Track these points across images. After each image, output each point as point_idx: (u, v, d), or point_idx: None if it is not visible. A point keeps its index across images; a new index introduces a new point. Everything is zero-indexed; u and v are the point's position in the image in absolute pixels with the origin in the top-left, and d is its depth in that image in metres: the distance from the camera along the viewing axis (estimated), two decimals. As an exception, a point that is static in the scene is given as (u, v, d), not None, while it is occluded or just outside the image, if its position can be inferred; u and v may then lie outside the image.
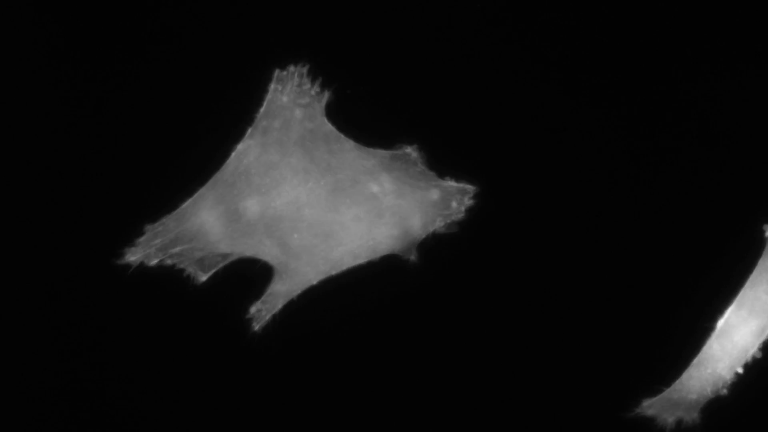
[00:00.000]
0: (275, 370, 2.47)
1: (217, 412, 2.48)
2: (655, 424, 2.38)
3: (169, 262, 2.39)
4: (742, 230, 2.38)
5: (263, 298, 2.40)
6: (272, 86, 2.40)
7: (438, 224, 2.42)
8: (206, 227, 2.39)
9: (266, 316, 2.39)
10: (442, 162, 2.43)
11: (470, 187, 2.43)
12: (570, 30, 2.50)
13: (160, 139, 2.48)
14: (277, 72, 2.40)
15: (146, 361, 2.47)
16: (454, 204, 2.42)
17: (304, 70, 2.39)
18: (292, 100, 2.40)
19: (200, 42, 2.48)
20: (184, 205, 2.40)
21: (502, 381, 2.48)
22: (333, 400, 2.48)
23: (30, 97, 2.49)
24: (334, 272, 2.40)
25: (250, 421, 2.48)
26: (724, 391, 2.35)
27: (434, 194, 2.42)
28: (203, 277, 2.40)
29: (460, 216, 2.42)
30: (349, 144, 2.42)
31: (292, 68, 2.39)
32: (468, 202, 2.42)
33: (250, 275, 2.41)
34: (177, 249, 2.39)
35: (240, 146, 2.39)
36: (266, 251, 2.39)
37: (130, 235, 2.39)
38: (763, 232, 2.34)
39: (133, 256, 2.38)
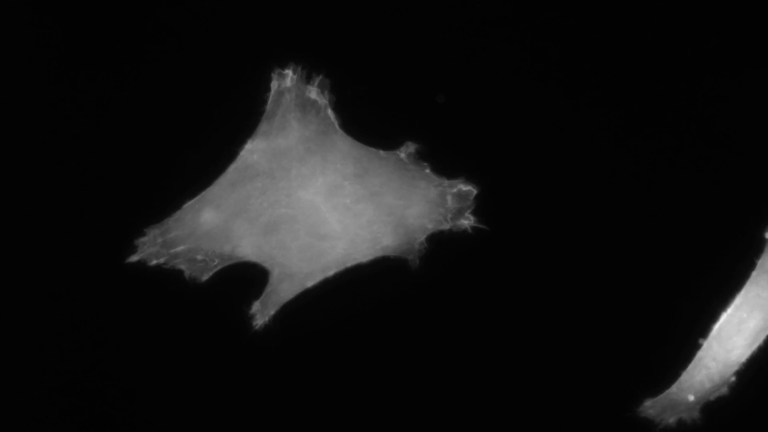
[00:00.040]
0: (275, 370, 2.47)
1: (218, 412, 2.48)
2: (655, 424, 2.38)
3: (169, 262, 2.40)
4: (742, 230, 2.38)
5: (263, 298, 2.40)
6: (273, 86, 2.40)
7: (438, 224, 2.42)
8: (207, 228, 2.40)
9: (266, 317, 2.39)
10: (443, 162, 2.43)
11: (470, 188, 2.43)
12: (570, 30, 2.49)
13: (160, 140, 2.48)
14: (277, 72, 2.40)
15: (146, 361, 2.47)
16: (454, 204, 2.42)
17: (305, 70, 2.39)
18: (292, 100, 2.40)
19: (201, 42, 2.49)
20: (185, 206, 2.41)
21: (503, 381, 2.48)
22: (333, 400, 2.48)
23: (31, 97, 2.49)
24: (333, 272, 2.40)
25: (250, 421, 2.48)
26: (725, 391, 2.35)
27: (434, 194, 2.42)
28: (203, 278, 2.40)
29: (460, 216, 2.42)
30: (348, 144, 2.42)
31: (292, 68, 2.40)
32: (468, 202, 2.42)
33: (250, 275, 2.42)
34: (177, 250, 2.39)
35: (241, 147, 2.40)
36: (266, 251, 2.39)
37: (131, 235, 2.39)
38: (764, 232, 2.33)
39: (133, 257, 2.39)
